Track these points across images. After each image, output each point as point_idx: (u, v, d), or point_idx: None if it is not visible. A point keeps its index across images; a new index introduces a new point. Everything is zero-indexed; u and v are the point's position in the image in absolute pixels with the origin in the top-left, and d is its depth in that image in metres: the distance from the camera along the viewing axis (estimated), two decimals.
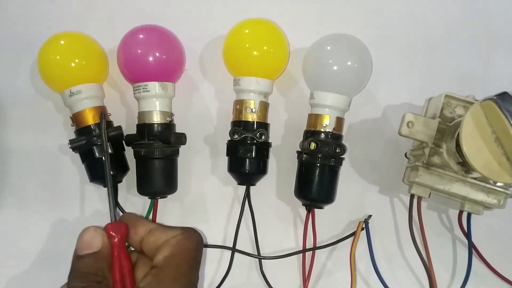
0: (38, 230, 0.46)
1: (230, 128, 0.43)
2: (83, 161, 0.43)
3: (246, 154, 0.42)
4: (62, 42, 0.43)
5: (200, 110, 0.47)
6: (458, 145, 0.38)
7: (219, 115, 0.47)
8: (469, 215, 0.43)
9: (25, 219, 0.46)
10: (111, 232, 0.32)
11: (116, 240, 0.32)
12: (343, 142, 0.44)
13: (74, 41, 0.44)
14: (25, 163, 0.47)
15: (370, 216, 0.45)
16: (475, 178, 0.41)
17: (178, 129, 0.45)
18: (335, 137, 0.43)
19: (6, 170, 0.47)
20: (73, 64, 0.43)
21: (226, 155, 0.44)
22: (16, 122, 0.47)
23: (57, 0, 0.49)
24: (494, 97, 0.34)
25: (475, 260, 0.44)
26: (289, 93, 0.48)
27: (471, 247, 0.44)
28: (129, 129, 0.45)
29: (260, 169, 0.44)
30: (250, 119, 0.43)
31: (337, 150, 0.42)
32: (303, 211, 0.45)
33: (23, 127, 0.47)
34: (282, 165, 0.47)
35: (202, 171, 0.47)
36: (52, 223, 0.46)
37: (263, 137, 0.42)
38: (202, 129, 0.47)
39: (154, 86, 0.42)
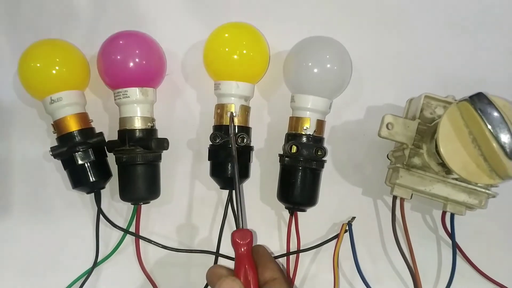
0: (22, 238, 0.46)
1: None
2: (65, 168, 0.43)
3: (228, 158, 0.42)
4: (42, 49, 0.43)
5: (183, 115, 0.47)
6: (437, 146, 0.38)
7: (201, 120, 0.47)
8: (452, 215, 0.43)
9: (9, 227, 0.46)
10: (237, 240, 0.34)
11: (243, 250, 0.34)
12: (325, 144, 0.44)
13: (55, 48, 0.44)
14: (9, 171, 0.47)
15: (353, 218, 0.45)
16: (456, 179, 0.41)
17: (161, 134, 0.45)
18: (316, 140, 0.43)
19: None
20: (53, 72, 0.43)
21: (208, 160, 0.44)
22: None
23: (39, 7, 0.49)
24: (469, 98, 0.34)
25: (460, 260, 0.44)
26: (272, 96, 0.48)
27: (455, 247, 0.44)
28: (113, 135, 0.45)
29: (242, 173, 0.44)
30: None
31: (318, 153, 0.42)
32: (287, 214, 0.45)
33: (6, 134, 0.47)
34: (265, 169, 0.47)
35: (186, 176, 0.47)
36: (36, 231, 0.46)
37: (244, 140, 0.42)
38: (185, 134, 0.47)
39: (134, 92, 0.42)
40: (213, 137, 0.42)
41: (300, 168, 0.42)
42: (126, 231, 0.44)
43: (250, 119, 0.45)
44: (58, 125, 0.43)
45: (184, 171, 0.47)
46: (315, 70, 0.42)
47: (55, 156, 0.43)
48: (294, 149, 0.41)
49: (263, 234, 0.46)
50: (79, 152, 0.42)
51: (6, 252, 0.46)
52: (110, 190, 0.46)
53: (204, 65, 0.45)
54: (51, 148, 0.43)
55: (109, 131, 0.47)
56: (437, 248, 0.46)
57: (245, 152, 0.43)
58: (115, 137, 0.44)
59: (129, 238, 0.45)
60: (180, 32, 0.48)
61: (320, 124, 0.43)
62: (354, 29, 0.48)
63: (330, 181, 0.46)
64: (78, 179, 0.43)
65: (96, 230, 0.45)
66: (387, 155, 0.45)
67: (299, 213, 0.44)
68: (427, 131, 0.41)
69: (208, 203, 0.46)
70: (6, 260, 0.46)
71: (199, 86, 0.48)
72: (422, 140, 0.41)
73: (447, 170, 0.40)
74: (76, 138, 0.43)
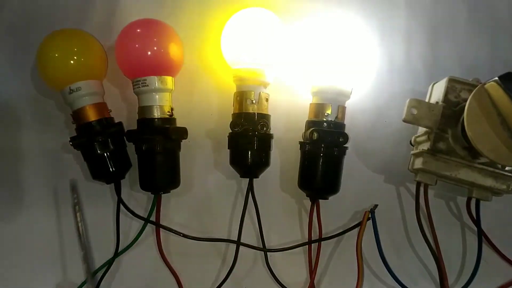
0: (43, 229, 0.46)
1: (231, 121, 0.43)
2: (84, 159, 0.43)
3: (248, 146, 0.42)
4: (60, 39, 0.43)
5: (201, 104, 0.47)
6: (463, 130, 0.37)
7: (220, 108, 0.47)
8: (477, 201, 0.42)
9: (30, 219, 0.46)
10: None
11: None
12: (346, 131, 0.43)
13: (73, 38, 0.43)
14: (28, 163, 0.46)
15: (376, 205, 0.44)
16: (482, 163, 0.40)
17: (179, 123, 0.44)
18: (338, 126, 0.42)
19: (9, 171, 0.46)
20: (72, 61, 0.42)
21: (228, 148, 0.44)
22: (18, 121, 0.47)
23: None
24: (498, 78, 0.33)
25: (485, 247, 0.44)
26: (291, 83, 0.47)
27: (481, 234, 0.43)
28: (132, 125, 0.44)
29: (263, 161, 0.43)
30: (250, 111, 0.42)
31: (340, 139, 0.41)
32: (308, 202, 0.45)
33: (25, 127, 0.47)
34: (285, 157, 0.46)
35: (205, 165, 0.46)
36: (57, 222, 0.46)
37: (264, 128, 0.42)
38: (203, 123, 0.47)
39: (153, 80, 0.42)
40: (233, 125, 0.42)
41: (322, 155, 0.42)
42: (147, 220, 0.44)
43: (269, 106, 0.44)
44: (77, 115, 0.43)
45: (203, 160, 0.46)
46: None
47: (75, 146, 0.43)
48: (315, 135, 0.41)
49: (284, 223, 0.46)
50: (99, 142, 0.42)
51: (27, 244, 0.46)
52: (130, 180, 0.46)
53: (223, 53, 0.44)
54: (70, 138, 0.42)
55: (127, 122, 0.46)
56: (462, 236, 0.45)
57: (265, 140, 0.43)
58: (132, 126, 0.44)
59: (150, 228, 0.45)
60: (198, 19, 0.47)
61: (342, 110, 0.42)
62: (375, 12, 0.47)
63: (351, 169, 0.45)
64: (98, 170, 0.43)
65: (117, 220, 0.44)
66: (410, 141, 0.44)
67: (320, 201, 0.44)
68: (452, 115, 0.40)
69: (229, 191, 0.46)
70: (28, 251, 0.46)
71: (217, 74, 0.47)
72: (447, 124, 0.40)
73: (473, 154, 0.39)
74: (95, 127, 0.42)
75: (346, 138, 0.41)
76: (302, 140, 0.43)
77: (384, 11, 0.47)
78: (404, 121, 0.40)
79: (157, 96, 0.42)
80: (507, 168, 0.39)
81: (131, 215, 0.44)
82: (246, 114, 0.42)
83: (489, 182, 0.40)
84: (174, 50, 0.43)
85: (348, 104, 0.44)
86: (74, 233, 0.45)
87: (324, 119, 0.42)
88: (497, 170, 0.39)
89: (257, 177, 0.44)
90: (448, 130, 0.40)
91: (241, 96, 0.43)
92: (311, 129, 0.41)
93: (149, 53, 0.42)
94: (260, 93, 0.43)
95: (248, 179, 0.44)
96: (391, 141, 0.46)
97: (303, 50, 0.44)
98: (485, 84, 0.34)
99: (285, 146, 0.46)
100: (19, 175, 0.47)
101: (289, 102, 0.47)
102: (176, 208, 0.46)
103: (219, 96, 0.47)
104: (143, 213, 0.45)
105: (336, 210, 0.45)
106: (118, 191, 0.44)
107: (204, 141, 0.47)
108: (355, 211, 0.46)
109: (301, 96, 0.45)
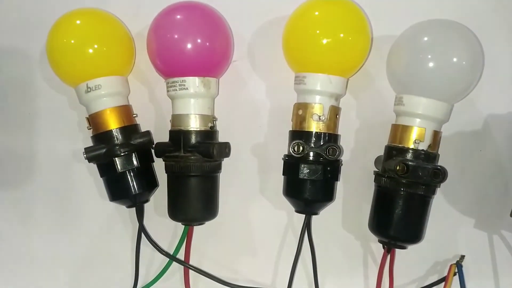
0: (46, 256, 0.40)
1: (286, 138, 0.35)
2: (101, 175, 0.36)
3: (311, 175, 0.33)
4: (77, 21, 0.36)
5: (248, 113, 0.39)
6: None
7: (271, 120, 0.39)
8: None
9: (29, 242, 0.40)
10: None
11: None
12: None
13: (93, 20, 0.36)
14: (32, 172, 0.40)
15: (463, 256, 0.37)
16: None
17: (220, 137, 0.37)
18: (430, 158, 0.33)
19: (9, 180, 0.41)
20: (90, 51, 0.35)
21: (283, 175, 0.35)
22: (21, 121, 0.40)
23: None
24: None
25: None
26: (363, 94, 0.38)
27: None
28: (160, 134, 0.37)
29: (327, 195, 0.35)
30: (316, 129, 0.34)
31: (433, 176, 0.32)
32: (376, 246, 0.37)
33: (30, 127, 0.40)
34: (350, 187, 0.38)
35: (249, 190, 0.39)
36: (62, 248, 0.40)
37: (334, 154, 0.33)
38: (249, 137, 0.39)
39: (193, 82, 0.34)
40: (295, 147, 0.33)
41: (405, 193, 0.33)
42: (172, 258, 0.36)
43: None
44: (94, 121, 0.36)
45: (247, 184, 0.39)
46: (435, 65, 0.32)
47: (89, 159, 0.35)
48: (402, 168, 0.32)
49: (345, 269, 0.38)
50: (120, 157, 0.35)
51: (24, 271, 0.40)
52: (154, 201, 0.39)
53: (283, 51, 0.36)
54: (85, 149, 0.35)
55: (155, 128, 0.38)
56: None
57: (333, 169, 0.34)
58: (162, 137, 0.36)
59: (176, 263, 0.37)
60: (249, 7, 0.39)
61: (436, 136, 0.33)
62: (476, 14, 0.37)
63: (434, 209, 0.36)
64: (117, 191, 0.36)
65: (136, 252, 0.38)
66: None
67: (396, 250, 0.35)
68: None
69: (277, 226, 0.39)
70: (25, 281, 0.40)
71: (270, 77, 0.39)
72: None
73: None
74: (117, 138, 0.35)
75: (442, 175, 0.32)
76: (377, 170, 0.35)
77: (488, 12, 0.37)
78: None
79: (197, 103, 0.35)
80: None
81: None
82: (309, 134, 0.34)
83: None
84: (221, 45, 0.35)
85: None
86: (83, 262, 0.40)
87: (413, 147, 0.33)
88: None
89: (316, 214, 0.36)
90: None
91: (305, 110, 0.34)
92: (398, 159, 0.32)
93: (190, 47, 0.34)
94: (330, 106, 0.33)
95: (304, 214, 0.35)
96: (487, 176, 0.38)
97: (388, 54, 0.35)
98: None
99: (351, 173, 0.38)
100: (19, 188, 0.40)
101: (360, 117, 0.38)
102: (209, 242, 0.39)
103: (272, 104, 0.39)
104: (168, 243, 0.38)
105: (412, 258, 0.37)
106: (140, 216, 0.37)
107: (249, 160, 0.39)
108: (435, 261, 0.38)
109: (377, 111, 0.37)
